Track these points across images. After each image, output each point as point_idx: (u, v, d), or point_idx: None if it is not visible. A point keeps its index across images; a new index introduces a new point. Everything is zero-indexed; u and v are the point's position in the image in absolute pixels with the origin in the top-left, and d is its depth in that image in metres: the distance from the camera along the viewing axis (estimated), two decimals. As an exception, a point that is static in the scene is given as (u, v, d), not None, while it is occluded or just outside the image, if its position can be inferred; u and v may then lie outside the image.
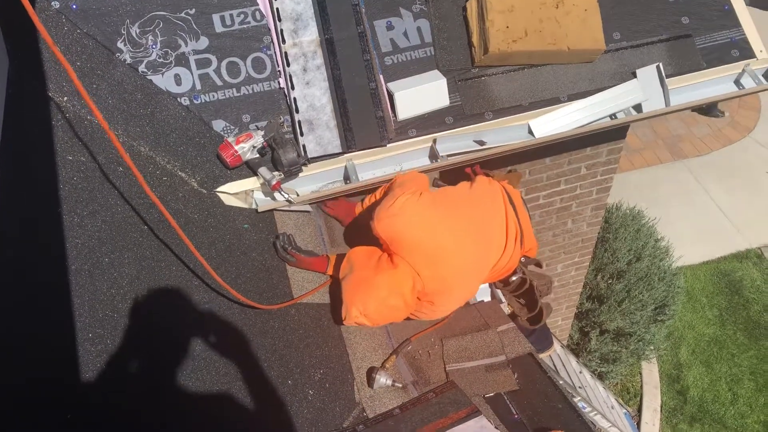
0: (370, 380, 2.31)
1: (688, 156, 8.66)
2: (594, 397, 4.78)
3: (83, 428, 1.75)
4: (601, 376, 5.78)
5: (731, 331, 7.00)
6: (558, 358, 4.59)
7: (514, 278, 2.76)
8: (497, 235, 2.54)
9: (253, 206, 2.69)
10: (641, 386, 6.68)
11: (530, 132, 2.85)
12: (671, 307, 5.79)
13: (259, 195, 2.69)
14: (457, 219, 2.35)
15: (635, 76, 2.95)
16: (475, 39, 2.84)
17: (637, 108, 2.96)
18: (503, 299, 2.90)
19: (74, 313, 1.91)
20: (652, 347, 6.02)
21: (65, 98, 2.35)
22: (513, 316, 2.94)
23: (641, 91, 2.92)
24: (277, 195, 2.60)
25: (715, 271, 7.50)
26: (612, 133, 3.59)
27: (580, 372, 4.89)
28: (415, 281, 2.16)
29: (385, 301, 2.13)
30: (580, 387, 4.49)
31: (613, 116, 2.97)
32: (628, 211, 5.90)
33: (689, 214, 7.94)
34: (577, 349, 5.87)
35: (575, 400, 2.53)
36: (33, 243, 1.97)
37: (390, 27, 2.83)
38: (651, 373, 6.72)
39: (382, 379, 2.29)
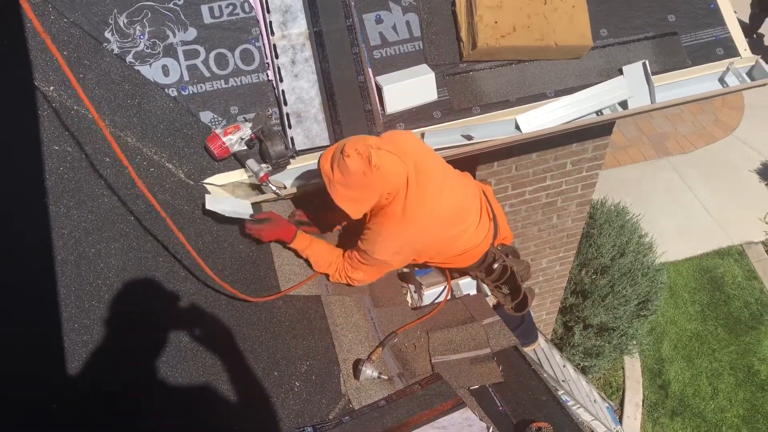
0: (357, 372, 2.32)
1: (673, 153, 8.74)
2: (577, 390, 4.83)
3: (69, 418, 1.75)
4: (584, 370, 5.83)
5: (712, 327, 7.09)
6: (542, 351, 4.64)
7: (495, 266, 2.79)
8: (473, 204, 2.64)
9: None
10: (623, 380, 6.75)
11: (517, 127, 2.87)
12: (654, 302, 5.86)
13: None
14: (446, 173, 2.55)
15: (622, 73, 2.98)
16: (463, 34, 2.85)
17: (623, 105, 2.99)
18: (488, 293, 2.92)
19: (60, 304, 1.91)
20: (634, 342, 6.08)
21: (52, 88, 2.33)
22: (498, 307, 2.97)
23: (627, 87, 2.94)
24: (264, 187, 2.60)
25: (698, 268, 7.58)
26: (598, 130, 3.62)
27: (564, 366, 4.94)
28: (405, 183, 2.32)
29: (397, 156, 2.25)
30: (563, 381, 4.54)
31: (599, 112, 2.99)
32: (612, 207, 5.95)
33: (673, 211, 8.02)
34: (560, 343, 5.92)
35: (559, 393, 2.56)
36: (19, 233, 1.97)
37: (379, 20, 2.83)
38: (633, 368, 6.79)
39: (369, 371, 2.30)
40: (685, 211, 8.07)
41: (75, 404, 1.77)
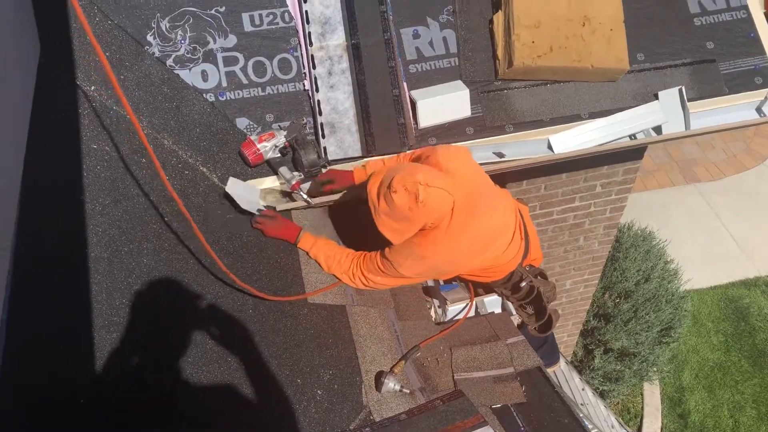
0: (379, 384, 2.32)
1: (702, 180, 8.64)
2: (595, 415, 4.77)
3: (96, 412, 1.77)
4: (602, 395, 5.76)
5: (736, 358, 6.96)
6: (562, 373, 4.59)
7: (522, 285, 2.78)
8: (510, 224, 2.61)
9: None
10: (642, 407, 6.64)
11: (550, 147, 2.86)
12: (677, 329, 5.77)
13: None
14: (492, 194, 2.52)
15: (657, 98, 2.96)
16: (500, 52, 2.86)
17: (657, 130, 2.97)
18: (513, 311, 2.90)
19: (92, 300, 1.94)
20: (655, 369, 5.99)
21: (93, 87, 2.38)
22: (522, 326, 2.95)
23: (662, 113, 2.92)
24: (295, 195, 2.62)
25: (723, 297, 7.46)
26: (629, 154, 3.60)
27: (583, 389, 4.88)
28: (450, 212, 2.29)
29: (446, 190, 2.20)
30: (582, 404, 4.49)
31: (632, 136, 2.97)
32: (639, 231, 5.89)
33: (699, 238, 7.92)
34: (580, 366, 5.85)
35: (580, 416, 2.53)
36: (55, 228, 2.00)
37: (416, 35, 2.85)
38: (653, 395, 6.69)
39: (391, 384, 2.30)
40: (712, 239, 7.96)
41: (101, 401, 1.80)
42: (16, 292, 1.75)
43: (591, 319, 5.63)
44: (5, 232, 1.79)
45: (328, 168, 2.64)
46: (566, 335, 5.37)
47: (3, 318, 1.71)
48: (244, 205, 2.51)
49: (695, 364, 6.91)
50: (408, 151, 2.72)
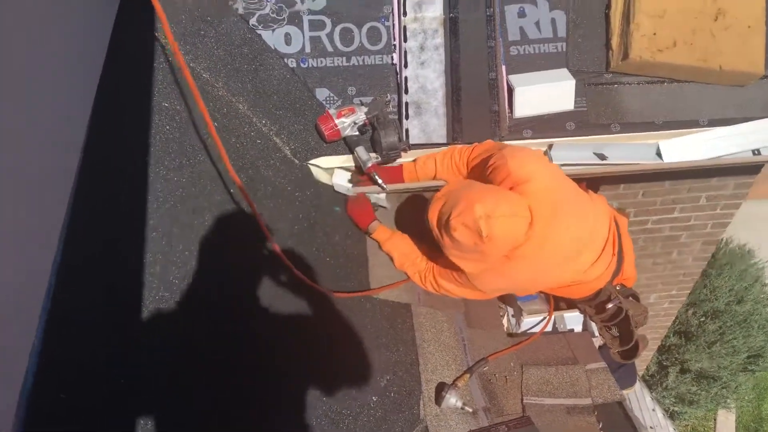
0: (439, 398, 2.11)
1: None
2: (661, 440, 4.43)
3: (140, 387, 1.64)
4: (672, 415, 5.38)
5: (822, 395, 6.41)
6: (634, 392, 4.27)
7: (609, 306, 2.50)
8: (598, 237, 2.30)
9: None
10: (714, 434, 6.22)
11: (659, 154, 2.54)
12: (767, 358, 5.29)
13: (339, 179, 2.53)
14: (577, 199, 2.20)
15: (792, 110, 2.58)
16: (614, 41, 2.53)
17: (786, 146, 2.59)
18: (595, 332, 2.62)
19: (144, 272, 1.80)
20: (735, 396, 5.55)
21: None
22: (602, 347, 2.66)
23: (796, 128, 2.54)
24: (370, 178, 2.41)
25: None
26: (745, 167, 3.21)
27: (653, 409, 4.54)
28: (525, 235, 2.00)
29: (513, 215, 1.93)
30: (651, 427, 4.16)
31: (756, 151, 2.61)
32: (737, 248, 5.40)
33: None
34: (650, 381, 5.48)
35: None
36: (114, 190, 1.86)
37: (522, 14, 2.56)
38: (727, 422, 6.23)
39: (452, 399, 2.09)
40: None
41: (149, 376, 1.66)
42: (66, 258, 1.62)
43: (671, 335, 5.22)
44: (65, 182, 1.65)
45: (372, 163, 2.41)
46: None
47: (51, 282, 1.58)
48: (338, 189, 2.48)
49: (778, 396, 6.41)
50: (461, 145, 2.43)
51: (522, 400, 2.24)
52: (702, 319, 5.11)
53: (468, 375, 2.19)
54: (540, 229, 1.99)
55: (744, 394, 5.68)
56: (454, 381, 2.16)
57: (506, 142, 2.49)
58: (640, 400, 4.31)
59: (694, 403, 5.31)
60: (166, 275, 1.82)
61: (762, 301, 5.20)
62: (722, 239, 5.45)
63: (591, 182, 2.82)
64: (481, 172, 2.19)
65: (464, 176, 2.37)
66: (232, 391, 1.82)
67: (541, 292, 2.70)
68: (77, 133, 1.75)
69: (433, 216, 2.04)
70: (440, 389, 2.13)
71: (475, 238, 1.91)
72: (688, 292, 4.34)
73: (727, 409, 6.18)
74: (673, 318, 4.65)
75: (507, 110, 2.52)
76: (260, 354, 1.91)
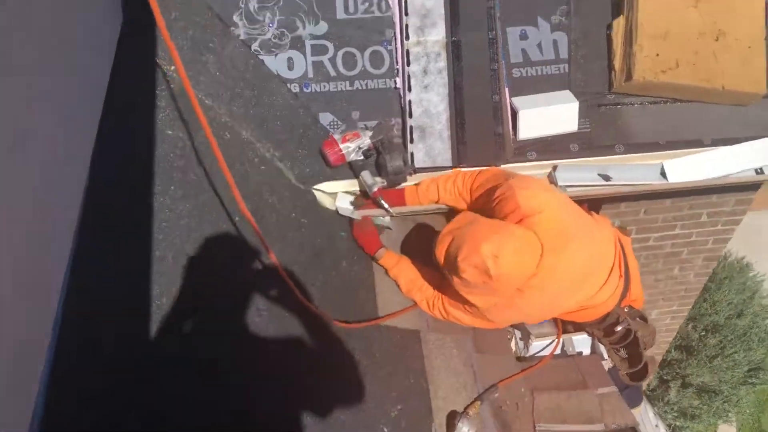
0: (451, 426, 2.07)
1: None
2: (665, 457, 4.39)
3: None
4: (674, 430, 5.35)
5: (821, 409, 6.40)
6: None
7: (618, 328, 2.48)
8: (605, 261, 2.29)
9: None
10: (715, 447, 6.19)
11: (663, 174, 2.54)
12: (767, 371, 5.29)
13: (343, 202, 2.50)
14: (584, 225, 2.20)
15: (794, 129, 2.59)
16: (617, 62, 2.54)
17: (789, 165, 2.60)
18: (605, 355, 2.60)
19: (151, 305, 1.76)
20: (737, 410, 5.53)
21: (172, 67, 2.19)
22: (611, 369, 2.64)
23: (799, 146, 2.55)
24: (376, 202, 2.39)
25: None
26: (746, 185, 3.21)
27: (656, 425, 4.50)
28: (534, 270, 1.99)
29: (520, 252, 1.92)
30: (654, 444, 4.12)
31: (759, 170, 2.61)
32: (735, 262, 5.41)
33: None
34: (651, 396, 5.45)
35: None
36: (121, 225, 1.82)
37: (524, 36, 2.56)
38: (727, 435, 6.22)
39: (465, 429, 2.05)
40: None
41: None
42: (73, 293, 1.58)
43: (672, 350, 5.21)
44: (71, 209, 1.61)
45: (378, 187, 2.39)
46: (641, 366, 4.99)
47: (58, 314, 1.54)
48: (342, 212, 2.48)
49: (778, 409, 6.39)
50: (465, 170, 2.42)
51: (534, 427, 2.21)
52: (702, 334, 5.11)
53: (479, 402, 2.16)
54: (550, 260, 1.98)
55: (745, 407, 5.67)
56: (466, 409, 2.13)
57: (510, 165, 2.48)
58: (644, 416, 4.28)
59: (696, 417, 5.30)
60: (177, 306, 1.78)
61: (761, 314, 5.21)
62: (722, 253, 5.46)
63: (592, 202, 2.81)
64: (486, 202, 2.17)
65: (468, 203, 2.35)
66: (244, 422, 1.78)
67: (549, 316, 2.67)
68: (80, 177, 1.72)
69: (440, 255, 2.03)
70: (452, 418, 2.09)
71: (484, 278, 1.91)
72: (690, 307, 4.34)
73: (728, 423, 6.15)
74: (675, 333, 4.64)
75: (511, 132, 2.52)
76: (268, 384, 1.87)
